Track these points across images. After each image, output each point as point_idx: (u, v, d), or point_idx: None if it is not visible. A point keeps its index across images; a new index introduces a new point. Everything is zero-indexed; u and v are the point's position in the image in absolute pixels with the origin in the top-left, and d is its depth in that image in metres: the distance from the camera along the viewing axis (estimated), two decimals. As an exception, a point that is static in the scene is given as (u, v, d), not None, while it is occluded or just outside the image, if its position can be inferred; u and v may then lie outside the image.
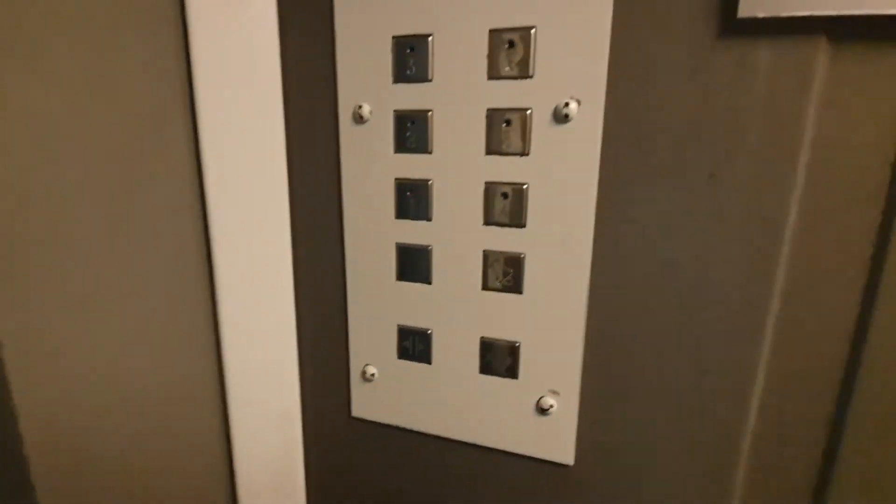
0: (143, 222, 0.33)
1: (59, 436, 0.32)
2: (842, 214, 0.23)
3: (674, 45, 0.24)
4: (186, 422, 0.37)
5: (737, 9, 0.22)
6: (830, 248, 0.24)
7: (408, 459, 0.36)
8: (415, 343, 0.33)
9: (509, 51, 0.27)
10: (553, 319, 0.29)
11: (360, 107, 0.31)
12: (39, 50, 0.28)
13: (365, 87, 0.30)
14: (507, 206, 0.29)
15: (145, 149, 0.32)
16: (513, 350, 0.31)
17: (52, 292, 0.31)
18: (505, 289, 0.30)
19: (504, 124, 0.28)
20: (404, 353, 0.34)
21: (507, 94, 0.27)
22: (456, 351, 0.32)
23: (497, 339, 0.31)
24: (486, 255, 0.30)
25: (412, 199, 0.31)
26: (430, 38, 0.28)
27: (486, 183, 0.29)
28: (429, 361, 0.33)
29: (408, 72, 0.29)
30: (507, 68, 0.27)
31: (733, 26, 0.23)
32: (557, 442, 0.31)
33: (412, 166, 0.30)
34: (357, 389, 0.36)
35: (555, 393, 0.30)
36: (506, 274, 0.30)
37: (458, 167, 0.29)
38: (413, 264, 0.32)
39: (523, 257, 0.29)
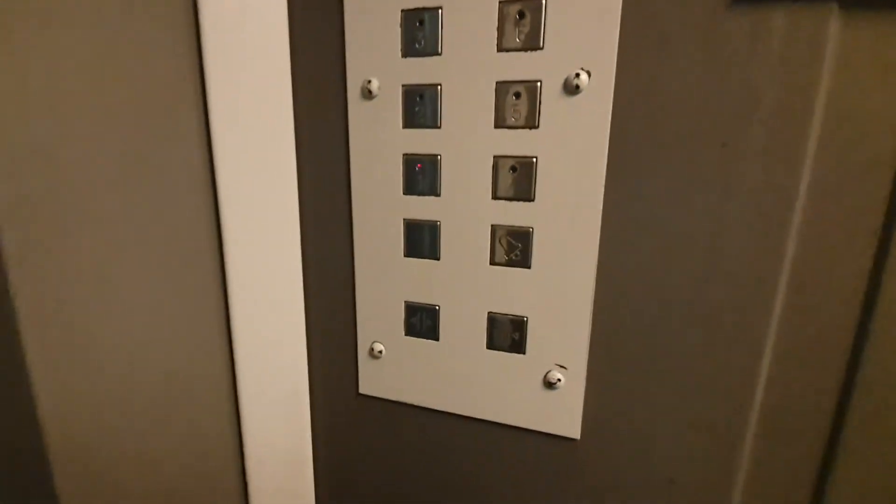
0: (153, 201, 0.33)
1: (73, 407, 0.33)
2: (853, 183, 0.23)
3: (686, 13, 0.24)
4: (196, 401, 0.38)
5: (750, -25, 0.22)
6: (841, 217, 0.24)
7: (415, 436, 0.37)
8: (422, 319, 0.34)
9: (519, 22, 0.26)
10: (561, 294, 0.29)
11: (369, 81, 0.31)
12: (46, 41, 0.28)
13: (374, 62, 0.30)
14: (515, 179, 0.29)
15: (157, 124, 0.32)
16: (520, 325, 0.31)
17: (71, 278, 0.31)
18: (513, 263, 0.30)
19: (513, 97, 0.27)
20: (411, 329, 0.34)
21: (517, 66, 0.27)
22: (463, 327, 0.32)
23: (505, 315, 0.31)
24: (495, 230, 0.30)
25: (420, 175, 0.31)
26: (439, 11, 0.28)
27: (495, 157, 0.29)
28: (436, 338, 0.33)
29: (416, 45, 0.29)
30: (516, 40, 0.27)
31: (746, -7, 0.23)
32: (564, 416, 0.31)
33: (421, 141, 0.30)
34: (365, 367, 0.37)
35: (562, 367, 0.30)
36: (514, 248, 0.30)
37: (466, 141, 0.29)
38: (421, 240, 0.32)
39: (532, 231, 0.29)
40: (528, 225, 0.29)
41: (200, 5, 0.30)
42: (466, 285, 0.32)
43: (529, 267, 0.30)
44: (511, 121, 0.28)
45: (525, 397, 0.32)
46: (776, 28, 0.23)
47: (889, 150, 0.22)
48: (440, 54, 0.29)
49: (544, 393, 0.31)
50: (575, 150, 0.27)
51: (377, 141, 0.32)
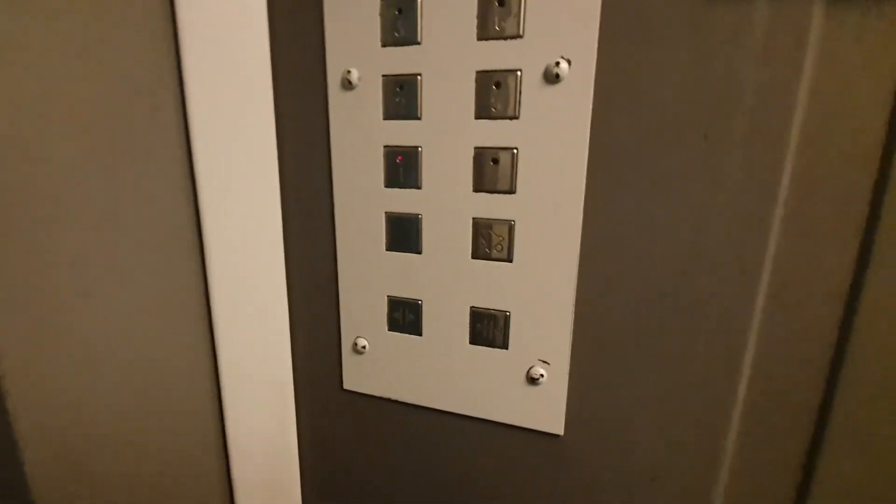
0: (132, 193, 0.32)
1: (49, 401, 0.32)
2: (837, 175, 0.23)
3: (669, 2, 0.23)
4: (179, 395, 0.37)
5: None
6: (825, 210, 0.23)
7: (399, 431, 0.36)
8: (405, 314, 0.33)
9: (499, 9, 0.26)
10: (543, 288, 0.29)
11: (349, 72, 0.30)
12: (22, 33, 0.27)
13: (353, 52, 0.30)
14: (496, 171, 0.28)
15: (134, 118, 0.31)
16: (503, 320, 0.30)
17: (49, 271, 0.30)
18: (495, 257, 0.30)
19: (494, 86, 0.27)
20: (395, 324, 0.34)
21: (497, 55, 0.27)
22: (446, 321, 0.32)
23: (487, 309, 0.31)
24: (476, 223, 0.29)
25: (401, 167, 0.30)
26: (418, -1, 0.27)
27: (476, 148, 0.28)
28: (419, 333, 0.33)
29: (396, 34, 0.28)
30: (496, 28, 0.26)
31: (729, -21, 0.22)
32: (547, 412, 0.31)
33: (401, 133, 0.30)
34: (348, 362, 0.36)
35: (545, 363, 0.30)
36: (495, 242, 0.29)
37: (447, 133, 0.29)
38: (403, 234, 0.32)
39: (513, 224, 0.29)
40: (510, 218, 0.29)
41: (176, -6, 0.30)
42: (449, 279, 0.31)
43: (511, 261, 0.29)
44: (492, 111, 0.27)
45: (508, 393, 0.31)
46: (759, 19, 0.22)
47: (872, 143, 0.22)
48: (419, 43, 0.28)
49: (527, 389, 0.31)
50: (556, 140, 0.26)
51: (358, 133, 0.31)
